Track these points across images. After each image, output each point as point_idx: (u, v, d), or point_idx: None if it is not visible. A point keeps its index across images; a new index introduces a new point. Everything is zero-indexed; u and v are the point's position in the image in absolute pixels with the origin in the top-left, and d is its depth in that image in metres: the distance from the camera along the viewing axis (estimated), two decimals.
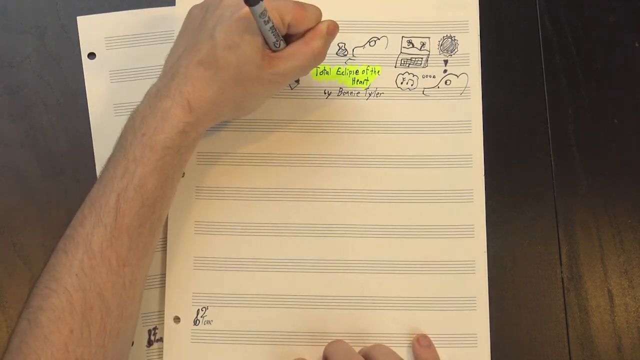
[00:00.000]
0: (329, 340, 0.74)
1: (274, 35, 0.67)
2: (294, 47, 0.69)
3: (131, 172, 0.65)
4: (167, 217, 0.76)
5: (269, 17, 0.65)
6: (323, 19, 0.69)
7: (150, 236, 0.67)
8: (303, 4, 0.69)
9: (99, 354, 0.62)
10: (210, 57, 0.67)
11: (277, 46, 0.68)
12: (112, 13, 0.81)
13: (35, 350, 0.60)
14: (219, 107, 0.68)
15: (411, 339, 0.75)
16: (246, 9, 0.66)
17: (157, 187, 0.66)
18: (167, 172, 0.67)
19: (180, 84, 0.67)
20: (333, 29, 0.70)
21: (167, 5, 0.81)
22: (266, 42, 0.68)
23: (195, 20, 0.71)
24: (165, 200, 0.68)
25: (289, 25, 0.68)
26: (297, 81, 0.79)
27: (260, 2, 0.63)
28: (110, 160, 0.68)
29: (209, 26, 0.68)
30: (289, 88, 0.79)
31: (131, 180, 0.65)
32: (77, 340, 0.61)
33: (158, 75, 0.71)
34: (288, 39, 0.70)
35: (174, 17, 0.80)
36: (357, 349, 0.74)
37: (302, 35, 0.69)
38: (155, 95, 0.68)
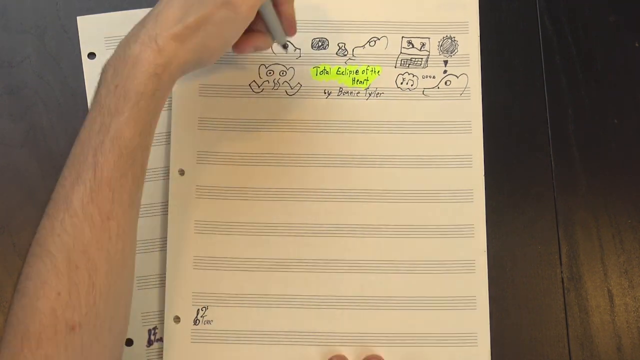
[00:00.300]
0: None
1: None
2: None
3: (107, 125, 0.64)
4: (166, 218, 0.76)
5: None
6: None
7: (135, 186, 0.65)
8: None
9: (90, 314, 0.61)
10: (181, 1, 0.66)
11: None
12: (112, 13, 0.81)
13: (24, 321, 0.59)
14: (185, 45, 0.66)
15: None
16: None
17: (135, 135, 0.65)
18: (144, 119, 0.65)
19: (150, 28, 0.66)
20: None
21: None
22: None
23: None
24: (145, 149, 0.67)
25: None
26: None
27: None
28: (87, 117, 0.66)
29: None
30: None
31: (107, 133, 0.64)
32: (65, 303, 0.60)
33: None
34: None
35: None
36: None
37: None
38: (124, 44, 0.67)
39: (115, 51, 0.67)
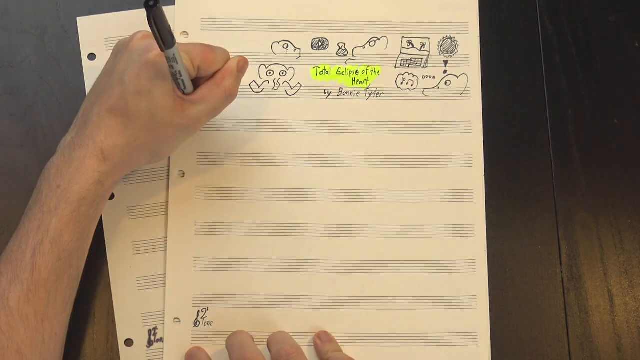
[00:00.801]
0: None
1: (184, 79, 0.66)
2: (205, 89, 0.68)
3: (46, 225, 0.64)
4: (167, 218, 0.76)
5: (180, 61, 0.64)
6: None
7: (69, 289, 0.66)
8: (211, 47, 0.68)
9: None
10: (120, 104, 0.66)
11: (186, 89, 0.67)
12: (112, 14, 0.81)
13: None
14: (132, 154, 0.67)
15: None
16: (155, 52, 0.65)
17: (73, 239, 0.65)
18: (83, 224, 0.66)
19: (94, 133, 0.66)
20: (243, 65, 0.69)
21: (167, 5, 0.80)
22: (176, 86, 0.67)
23: (107, 64, 0.70)
24: (82, 252, 0.68)
25: (198, 68, 0.67)
26: None
27: (174, 45, 0.62)
28: (26, 213, 0.67)
29: (119, 70, 0.67)
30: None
31: (46, 233, 0.64)
32: None
33: (89, 93, 0.71)
34: (196, 82, 0.68)
35: (174, 17, 0.80)
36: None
37: (211, 76, 0.68)
38: (69, 145, 0.67)
39: (59, 149, 0.68)
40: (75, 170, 0.65)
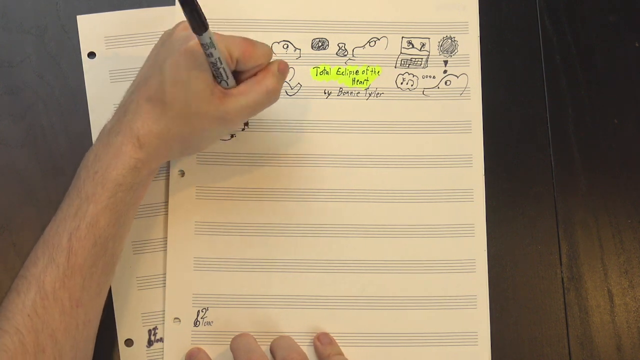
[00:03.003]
0: None
1: (222, 69, 0.66)
2: (247, 85, 0.68)
3: (83, 211, 0.65)
4: (167, 218, 0.76)
5: (217, 50, 0.64)
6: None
7: (104, 275, 0.67)
8: (252, 40, 0.69)
9: None
10: (158, 93, 0.66)
11: (227, 83, 0.68)
12: (112, 12, 0.81)
13: None
14: (168, 143, 0.68)
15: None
16: (194, 41, 0.65)
17: (110, 225, 0.66)
18: (120, 210, 0.66)
19: (131, 120, 0.67)
20: (284, 67, 0.69)
21: (167, 5, 0.80)
22: (216, 79, 0.67)
23: (152, 54, 0.71)
24: (119, 239, 0.68)
25: (237, 61, 0.67)
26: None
27: (206, 30, 0.62)
28: (64, 199, 0.67)
29: (159, 60, 0.68)
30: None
31: (83, 218, 0.65)
32: None
33: (133, 82, 0.71)
34: (238, 78, 0.69)
35: (174, 16, 0.79)
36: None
37: (253, 74, 0.69)
38: (107, 133, 0.68)
39: (99, 136, 0.69)
40: (113, 156, 0.66)
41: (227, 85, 0.68)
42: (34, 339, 0.62)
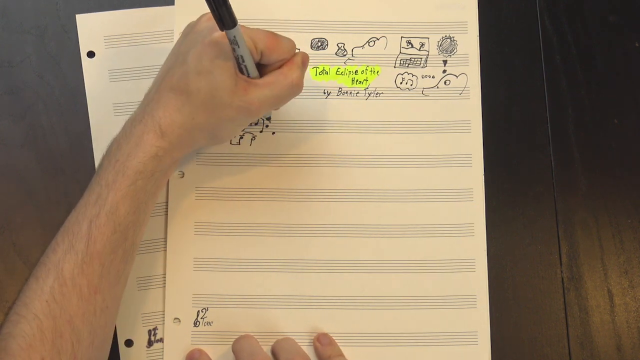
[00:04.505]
0: None
1: (247, 64, 0.67)
2: (271, 77, 0.69)
3: (103, 198, 0.65)
4: (167, 218, 0.76)
5: (243, 42, 0.65)
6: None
7: (123, 263, 0.67)
8: (276, 34, 0.69)
9: None
10: (181, 83, 0.67)
11: (250, 74, 0.68)
12: (112, 12, 0.81)
13: None
14: (191, 133, 0.68)
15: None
16: (218, 33, 0.66)
17: (130, 213, 0.66)
18: (140, 198, 0.67)
19: (153, 110, 0.67)
20: (306, 59, 0.70)
21: (167, 5, 0.80)
22: (239, 69, 0.68)
23: (175, 46, 0.71)
24: (138, 227, 0.68)
25: (261, 53, 0.68)
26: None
27: (235, 26, 0.63)
28: (87, 188, 0.68)
29: (183, 51, 0.69)
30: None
31: (103, 205, 0.65)
32: None
33: (157, 75, 0.71)
34: (261, 71, 0.70)
35: (173, 16, 0.80)
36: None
37: (278, 67, 0.69)
38: (131, 122, 0.68)
39: (123, 126, 0.69)
40: (134, 145, 0.66)
41: (251, 76, 0.69)
42: (52, 324, 0.62)
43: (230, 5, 0.62)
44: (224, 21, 0.62)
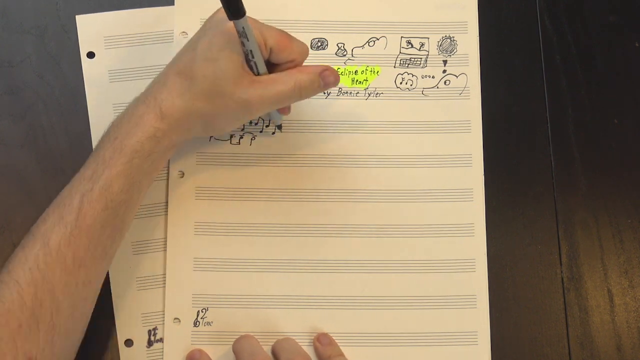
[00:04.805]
0: None
1: (256, 60, 0.67)
2: (277, 75, 0.69)
3: (98, 174, 0.66)
4: (167, 218, 0.76)
5: (252, 36, 0.65)
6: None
7: (110, 240, 0.67)
8: (288, 34, 0.70)
9: (47, 350, 0.62)
10: (187, 68, 0.67)
11: (258, 70, 0.68)
12: (112, 12, 0.81)
13: None
14: (189, 118, 0.68)
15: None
16: (229, 24, 0.66)
17: (123, 191, 0.66)
18: (134, 176, 0.67)
19: (157, 92, 0.68)
20: (329, 74, 0.70)
21: (166, 5, 0.80)
22: (248, 65, 0.68)
23: (195, 34, 0.72)
24: (130, 206, 0.68)
25: (271, 51, 0.68)
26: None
27: (241, 17, 0.63)
28: (84, 163, 0.68)
29: (195, 38, 0.69)
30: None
31: (97, 181, 0.65)
32: (25, 336, 0.61)
33: (156, 75, 0.71)
34: (271, 71, 0.70)
35: (173, 16, 0.80)
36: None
37: (288, 68, 0.69)
38: (134, 103, 0.69)
39: (126, 107, 0.70)
40: (134, 124, 0.67)
41: (258, 73, 0.69)
42: (33, 292, 0.62)
43: None
44: (230, 8, 0.63)
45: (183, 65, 0.68)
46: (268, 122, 0.78)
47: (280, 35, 0.69)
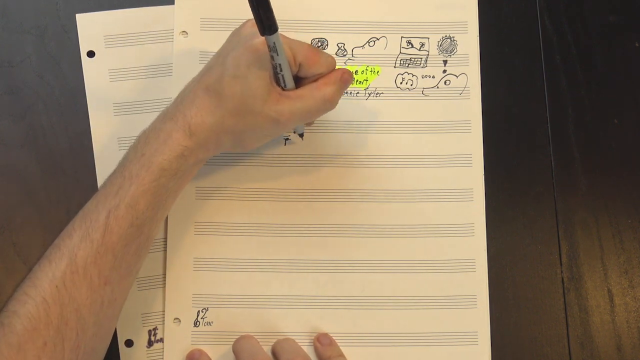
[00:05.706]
0: None
1: (284, 74, 0.67)
2: (305, 90, 0.68)
3: (125, 190, 0.65)
4: (167, 218, 0.76)
5: (282, 52, 0.65)
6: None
7: (135, 257, 0.67)
8: (317, 49, 0.70)
9: None
10: (216, 85, 0.67)
11: (286, 84, 0.68)
12: (112, 11, 0.81)
13: (9, 359, 0.60)
14: (218, 135, 0.68)
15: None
16: (259, 39, 0.65)
17: (149, 209, 0.66)
18: (161, 195, 0.67)
19: (186, 108, 0.67)
20: (347, 77, 0.70)
21: (166, 4, 0.80)
22: (276, 79, 0.68)
23: (221, 46, 0.71)
24: (155, 223, 0.68)
25: (300, 66, 0.68)
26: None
27: (274, 33, 0.63)
28: (109, 176, 0.68)
29: (224, 52, 0.69)
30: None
31: (124, 198, 0.65)
32: (50, 354, 0.61)
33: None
34: (298, 84, 0.69)
35: (173, 16, 0.80)
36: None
37: (313, 81, 0.69)
38: (162, 118, 0.69)
39: (153, 122, 0.69)
40: (162, 142, 0.67)
41: (286, 87, 0.68)
42: (59, 311, 0.62)
43: (271, 9, 0.61)
44: (264, 24, 0.62)
45: (212, 82, 0.67)
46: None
47: (309, 51, 0.68)
